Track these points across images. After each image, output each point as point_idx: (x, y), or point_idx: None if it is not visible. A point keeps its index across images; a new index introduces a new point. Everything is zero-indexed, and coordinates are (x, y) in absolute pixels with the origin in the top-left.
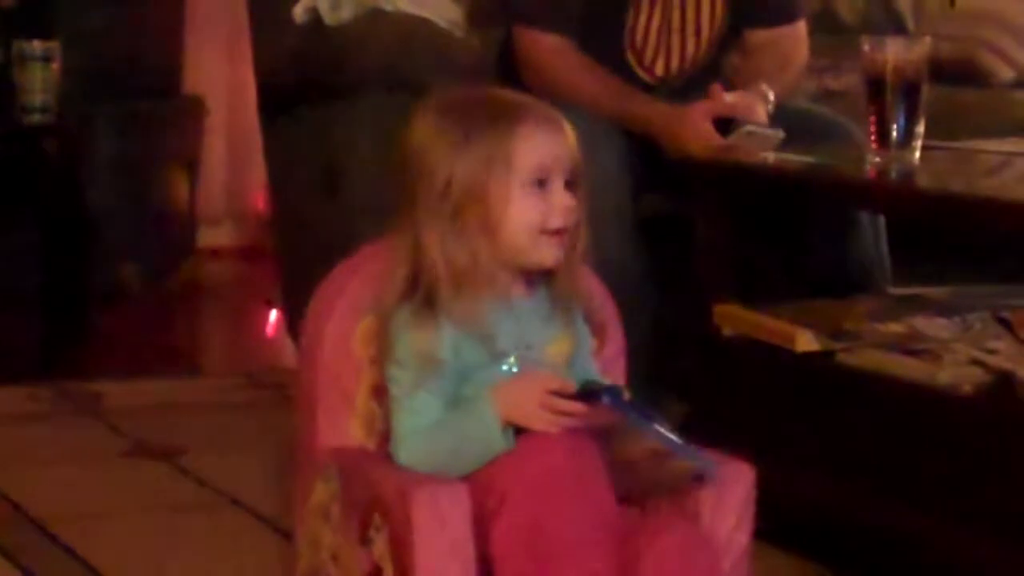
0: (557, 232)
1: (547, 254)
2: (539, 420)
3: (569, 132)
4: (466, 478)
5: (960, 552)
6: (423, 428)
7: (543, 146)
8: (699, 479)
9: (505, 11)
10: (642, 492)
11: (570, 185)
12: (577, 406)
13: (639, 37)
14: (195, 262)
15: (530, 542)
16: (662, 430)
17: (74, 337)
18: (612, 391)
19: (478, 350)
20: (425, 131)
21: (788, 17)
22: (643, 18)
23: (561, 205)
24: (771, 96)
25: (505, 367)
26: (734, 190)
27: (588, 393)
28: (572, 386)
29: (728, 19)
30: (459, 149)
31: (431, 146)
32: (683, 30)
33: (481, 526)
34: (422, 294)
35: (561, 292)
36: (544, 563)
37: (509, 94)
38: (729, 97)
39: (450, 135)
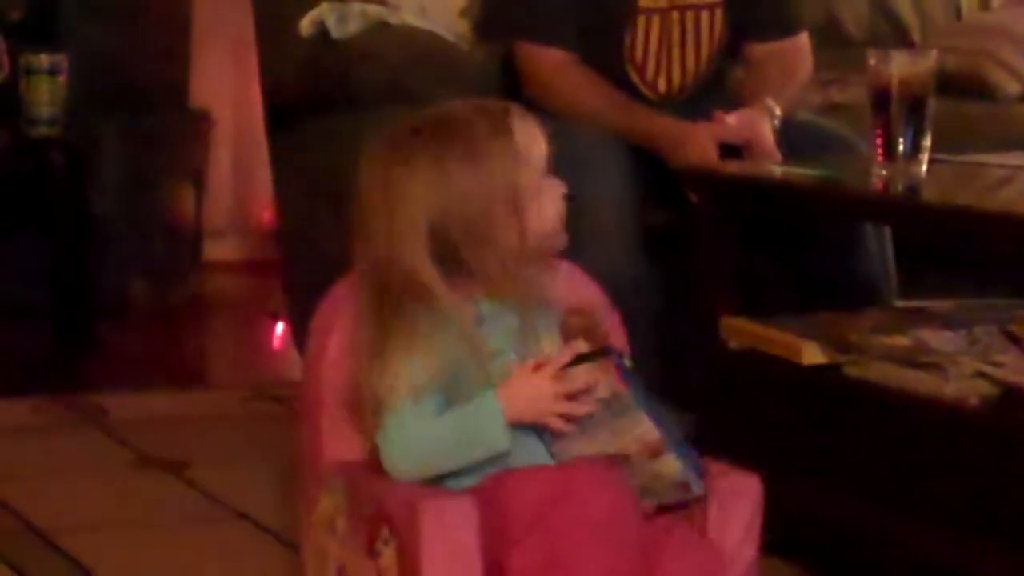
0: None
1: (561, 238)
2: (552, 420)
3: None
4: (486, 496)
5: (967, 564)
6: (416, 424)
7: (538, 135)
8: (684, 488)
9: (507, 26)
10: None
11: None
12: (584, 408)
13: (639, 53)
14: (201, 275)
15: None
16: (654, 412)
17: (80, 350)
18: (617, 354)
19: (474, 359)
20: (401, 167)
21: (790, 30)
22: (642, 34)
23: (561, 190)
24: (777, 111)
25: (513, 357)
26: (739, 202)
27: (592, 355)
28: (576, 350)
29: (729, 33)
30: (471, 172)
31: (424, 178)
32: (683, 45)
33: (496, 546)
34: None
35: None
36: None
37: (463, 105)
38: (733, 118)
39: (445, 162)
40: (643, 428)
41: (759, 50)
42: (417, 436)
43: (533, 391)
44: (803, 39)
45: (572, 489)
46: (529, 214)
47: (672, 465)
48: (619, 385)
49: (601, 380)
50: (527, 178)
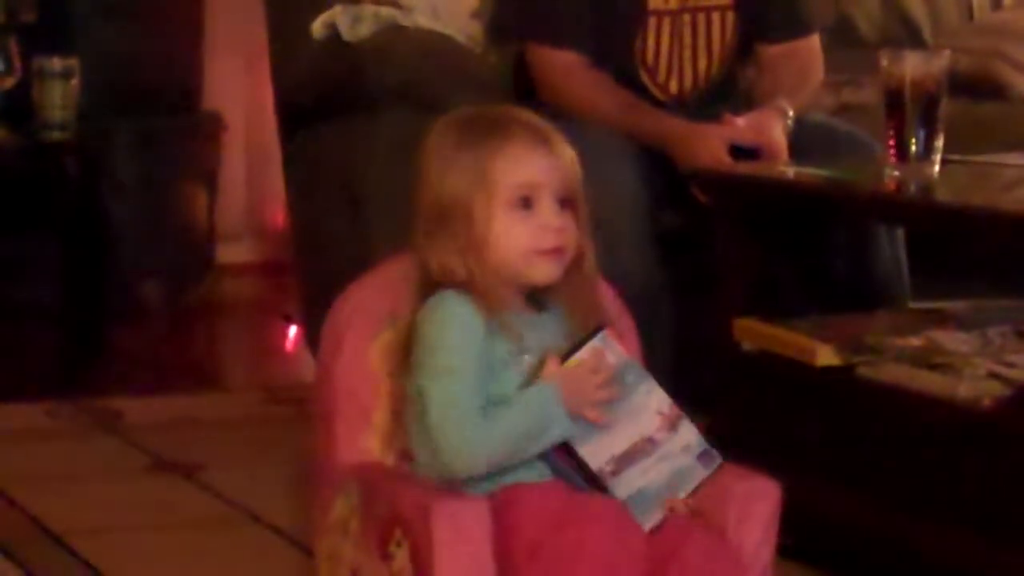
0: (549, 252)
1: (540, 273)
2: (589, 411)
3: (563, 150)
4: (496, 510)
5: (981, 565)
6: (469, 411)
7: (527, 166)
8: (709, 458)
9: (519, 29)
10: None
11: (566, 203)
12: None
13: (651, 55)
14: (214, 278)
15: None
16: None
17: (93, 353)
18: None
19: (503, 346)
20: (426, 148)
21: (802, 31)
22: (653, 36)
23: (549, 224)
24: (790, 112)
25: (519, 368)
26: (753, 204)
27: (588, 336)
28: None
29: (741, 34)
30: (447, 167)
31: (427, 163)
32: (695, 47)
33: (502, 564)
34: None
35: (566, 309)
36: None
37: (506, 112)
38: (744, 119)
39: (442, 153)
40: (658, 397)
41: (771, 51)
42: (479, 437)
43: (575, 384)
44: (814, 40)
45: (576, 517)
46: (485, 237)
47: (692, 433)
48: (624, 351)
49: (607, 354)
50: (482, 201)
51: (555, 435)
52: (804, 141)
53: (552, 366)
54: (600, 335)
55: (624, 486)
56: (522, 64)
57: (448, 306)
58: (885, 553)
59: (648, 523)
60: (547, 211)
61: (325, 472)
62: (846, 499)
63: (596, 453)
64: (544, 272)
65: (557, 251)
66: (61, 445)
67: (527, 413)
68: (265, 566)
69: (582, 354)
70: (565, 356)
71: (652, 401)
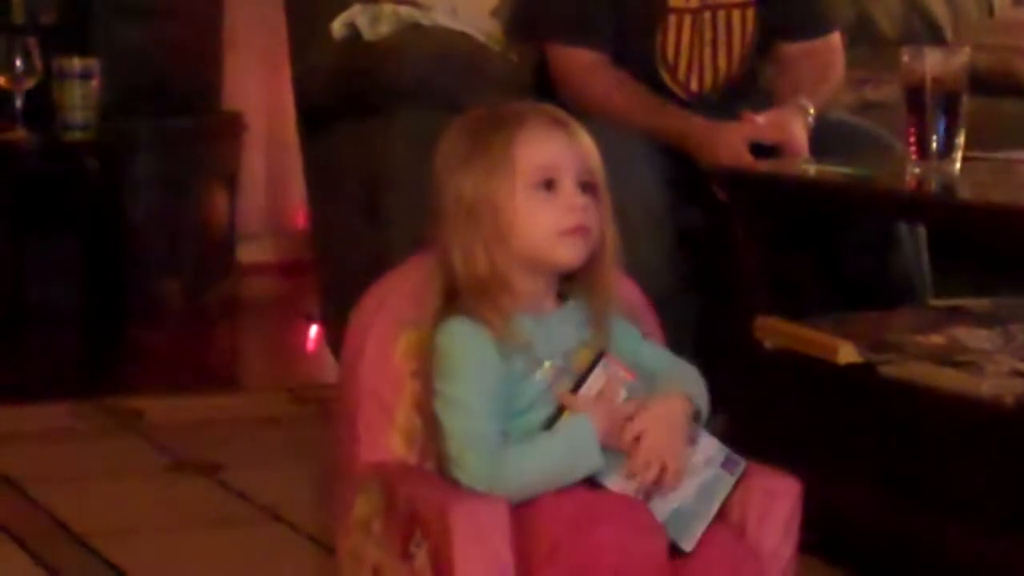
0: (573, 231)
1: (567, 253)
2: (623, 443)
3: (581, 135)
4: (515, 511)
5: (1003, 563)
6: (488, 444)
7: (546, 148)
8: (734, 464)
9: (538, 27)
10: None
11: (587, 187)
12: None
13: (671, 53)
14: (235, 278)
15: None
16: None
17: (115, 354)
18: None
19: (519, 359)
20: (441, 147)
21: (822, 29)
22: (673, 34)
23: (572, 204)
24: (811, 109)
25: (539, 376)
26: (773, 202)
27: (595, 362)
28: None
29: (761, 32)
30: (466, 162)
31: (444, 161)
32: (715, 44)
33: (521, 565)
34: (461, 305)
35: (590, 297)
36: None
37: (519, 104)
38: (764, 117)
39: (458, 149)
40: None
41: (791, 49)
42: (501, 471)
43: (605, 415)
44: (835, 38)
45: (595, 517)
46: (511, 224)
47: (712, 443)
48: (628, 375)
49: (615, 381)
50: (506, 189)
51: (585, 469)
52: (824, 138)
53: (578, 402)
54: (603, 362)
55: (656, 512)
56: (543, 63)
57: (460, 335)
58: (907, 550)
59: (689, 544)
60: (569, 191)
61: (347, 471)
62: (868, 497)
63: (624, 484)
64: (569, 252)
65: (581, 230)
66: (82, 445)
67: (559, 448)
68: (287, 565)
69: (593, 382)
70: (573, 388)
71: None
